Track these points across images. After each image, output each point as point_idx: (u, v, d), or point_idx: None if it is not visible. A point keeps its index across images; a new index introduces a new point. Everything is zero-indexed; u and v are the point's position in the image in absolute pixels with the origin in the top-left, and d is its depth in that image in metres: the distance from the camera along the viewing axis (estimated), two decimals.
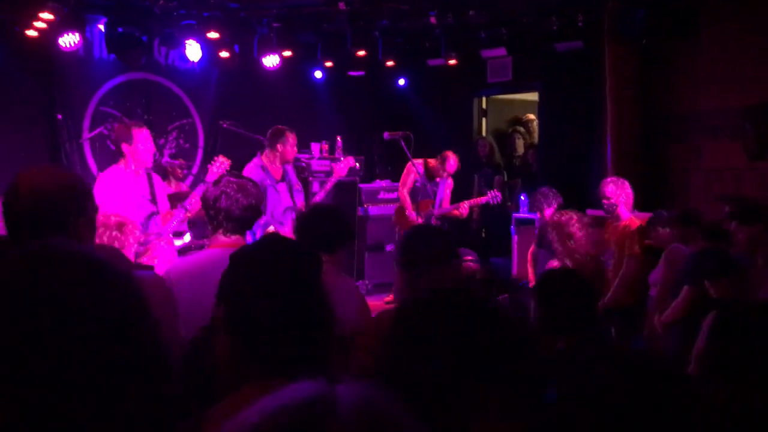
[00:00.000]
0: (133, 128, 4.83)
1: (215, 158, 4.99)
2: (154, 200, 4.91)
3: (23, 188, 1.87)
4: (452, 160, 7.22)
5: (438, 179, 7.28)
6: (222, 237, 2.76)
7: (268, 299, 1.46)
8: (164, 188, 5.16)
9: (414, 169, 7.15)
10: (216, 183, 2.89)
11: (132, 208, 4.77)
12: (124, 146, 4.81)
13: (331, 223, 2.98)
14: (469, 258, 4.42)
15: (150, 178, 4.97)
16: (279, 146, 5.97)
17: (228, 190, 2.75)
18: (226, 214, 2.73)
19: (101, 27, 7.17)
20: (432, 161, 7.26)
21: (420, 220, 7.14)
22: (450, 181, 7.37)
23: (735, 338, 1.78)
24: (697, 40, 6.64)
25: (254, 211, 2.79)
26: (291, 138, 6.01)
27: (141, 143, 4.81)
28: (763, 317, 1.83)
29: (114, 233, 3.02)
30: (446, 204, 7.28)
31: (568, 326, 2.60)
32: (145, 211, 4.84)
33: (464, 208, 7.09)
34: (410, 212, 7.25)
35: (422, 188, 7.15)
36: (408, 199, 7.30)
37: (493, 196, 7.21)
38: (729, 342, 1.78)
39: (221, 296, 1.53)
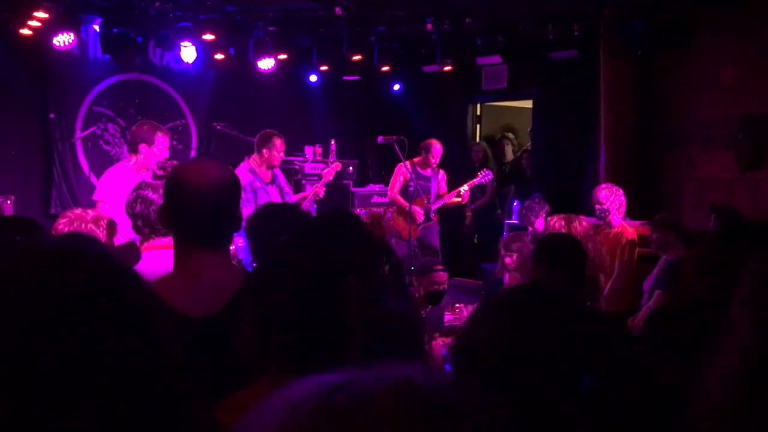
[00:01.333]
0: (159, 133, 4.81)
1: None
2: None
3: (195, 180, 1.81)
4: (436, 146, 7.14)
5: (428, 174, 7.22)
6: (148, 242, 2.60)
7: (293, 292, 1.49)
8: None
9: (402, 170, 7.17)
10: (135, 189, 2.71)
11: None
12: (143, 146, 4.80)
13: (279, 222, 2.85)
14: (439, 267, 4.39)
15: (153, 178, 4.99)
16: (265, 151, 5.98)
17: (143, 193, 2.60)
18: (143, 220, 2.58)
19: (96, 27, 7.15)
20: (417, 158, 7.24)
21: (422, 218, 7.13)
22: (442, 173, 7.33)
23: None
24: (692, 50, 6.67)
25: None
26: (278, 143, 5.99)
27: (160, 148, 4.82)
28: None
29: (89, 226, 3.00)
30: (445, 196, 7.27)
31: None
32: None
33: (465, 193, 7.13)
34: (408, 206, 7.11)
35: (414, 189, 7.13)
36: (400, 198, 7.25)
37: (484, 174, 7.30)
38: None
39: (249, 287, 1.57)
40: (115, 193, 4.78)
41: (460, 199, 7.17)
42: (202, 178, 1.81)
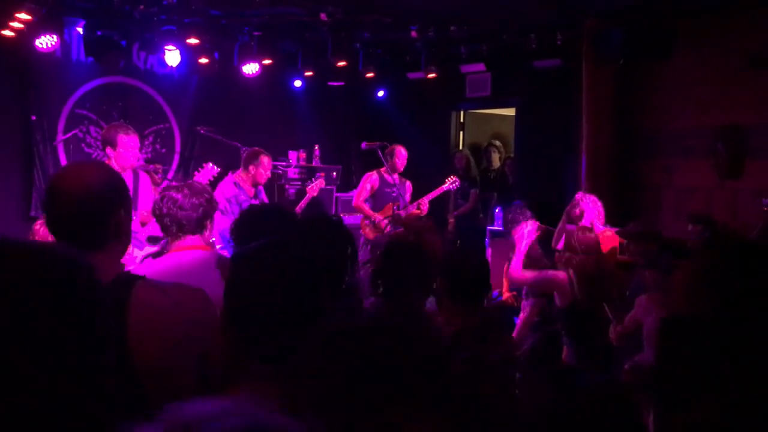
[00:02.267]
0: (120, 134, 4.82)
1: (204, 164, 5.03)
2: (134, 201, 4.90)
3: (63, 186, 1.80)
4: (400, 151, 7.06)
5: (396, 182, 7.13)
6: (176, 241, 2.71)
7: (267, 297, 1.49)
8: (149, 190, 5.09)
9: (371, 178, 7.16)
10: (162, 190, 2.85)
11: None
12: (108, 149, 4.83)
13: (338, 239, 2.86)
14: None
15: (136, 179, 4.98)
16: (252, 168, 6.01)
17: (170, 194, 2.72)
18: (171, 218, 2.69)
19: (80, 29, 7.11)
20: (383, 167, 7.20)
21: (384, 222, 7.09)
22: (408, 184, 7.29)
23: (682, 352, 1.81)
24: (671, 61, 6.76)
25: (203, 209, 2.72)
26: (265, 162, 6.02)
27: (124, 149, 4.83)
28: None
29: None
30: (409, 207, 7.22)
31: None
32: None
33: (424, 204, 7.08)
34: (372, 215, 7.10)
35: (383, 194, 7.14)
36: (365, 206, 7.22)
37: (452, 182, 7.27)
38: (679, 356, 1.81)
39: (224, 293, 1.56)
40: None
41: (419, 211, 7.01)
42: (69, 182, 1.79)
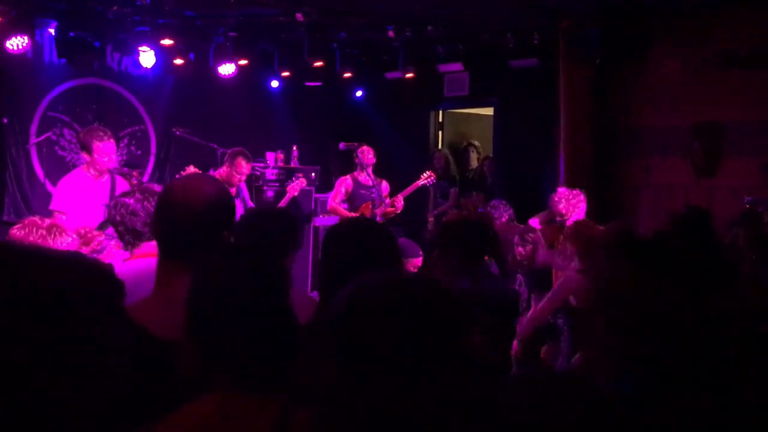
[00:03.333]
0: (95, 142, 4.77)
1: (186, 168, 5.00)
2: None
3: (189, 195, 1.76)
4: (365, 150, 7.00)
5: (369, 183, 7.01)
6: (134, 249, 2.53)
7: (229, 307, 1.44)
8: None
9: (345, 182, 7.11)
10: (116, 196, 2.68)
11: (91, 214, 4.72)
12: (84, 154, 4.81)
13: (277, 226, 2.84)
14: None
15: (113, 182, 4.93)
16: (226, 167, 6.05)
17: (122, 200, 2.54)
18: (124, 226, 2.51)
19: (52, 31, 7.00)
20: (357, 168, 7.16)
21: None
22: (385, 183, 7.24)
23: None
24: (647, 60, 6.81)
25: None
26: (239, 163, 6.03)
27: (99, 155, 4.78)
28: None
29: (41, 232, 2.95)
30: (384, 204, 7.16)
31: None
32: (102, 217, 4.78)
33: (399, 201, 7.03)
34: (348, 215, 7.04)
35: (359, 195, 7.10)
36: (340, 207, 7.17)
37: (426, 177, 7.22)
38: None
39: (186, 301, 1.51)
40: (72, 202, 4.72)
41: (394, 208, 6.99)
42: (195, 195, 1.75)
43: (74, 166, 6.88)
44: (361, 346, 1.16)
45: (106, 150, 4.80)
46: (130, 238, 2.52)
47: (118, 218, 2.52)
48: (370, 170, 7.03)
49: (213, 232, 1.76)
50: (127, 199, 2.52)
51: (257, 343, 1.43)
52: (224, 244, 1.81)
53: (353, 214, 7.03)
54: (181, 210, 1.74)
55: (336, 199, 7.19)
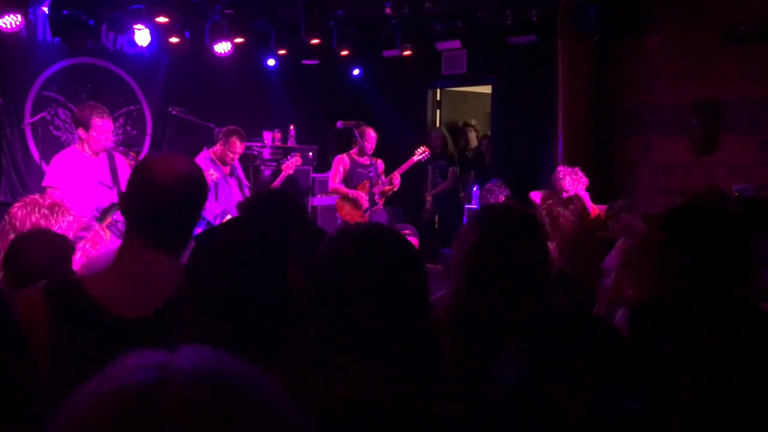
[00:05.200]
0: (94, 118, 4.72)
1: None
2: (116, 184, 4.79)
3: (158, 173, 1.68)
4: (369, 132, 6.90)
5: (366, 162, 6.96)
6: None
7: (228, 281, 1.42)
8: (127, 170, 4.92)
9: (342, 161, 7.06)
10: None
11: (87, 194, 4.67)
12: (81, 131, 4.74)
13: (279, 208, 2.84)
14: (407, 231, 4.40)
15: (112, 161, 4.87)
16: (220, 145, 5.99)
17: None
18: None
19: (45, 9, 6.91)
20: (353, 149, 7.10)
21: (366, 203, 6.98)
22: (380, 162, 7.18)
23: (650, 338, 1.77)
24: (648, 37, 6.75)
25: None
26: (233, 142, 5.95)
27: (98, 132, 4.73)
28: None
29: (44, 211, 2.91)
30: (379, 184, 7.10)
31: None
32: (103, 197, 4.72)
33: (396, 179, 6.99)
34: (352, 192, 6.99)
35: (356, 174, 7.05)
36: (341, 186, 7.12)
37: (421, 152, 7.14)
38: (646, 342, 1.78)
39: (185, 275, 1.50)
40: (65, 178, 4.69)
41: (391, 186, 6.94)
42: (173, 173, 1.69)
43: (69, 145, 6.84)
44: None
45: (105, 128, 4.75)
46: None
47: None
48: (369, 151, 6.98)
49: (184, 211, 1.71)
50: None
51: (253, 313, 1.42)
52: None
53: (356, 192, 6.98)
54: (153, 188, 1.68)
55: (336, 179, 7.14)
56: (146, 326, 1.59)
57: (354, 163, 7.05)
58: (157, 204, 1.68)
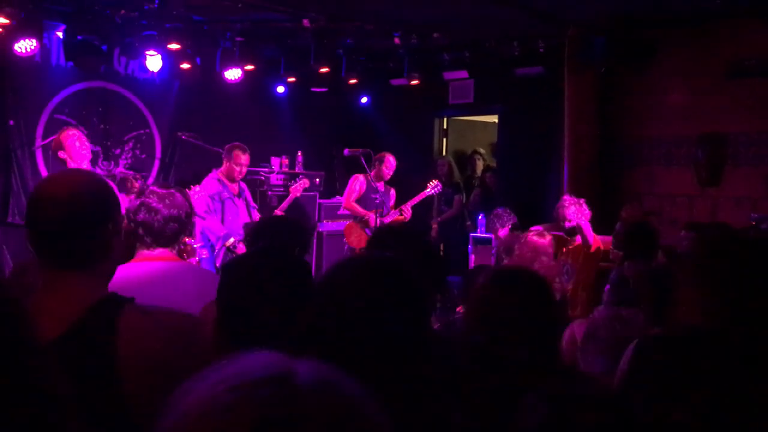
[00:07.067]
0: (61, 134, 4.93)
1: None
2: None
3: (45, 195, 1.64)
4: (390, 159, 7.08)
5: (381, 189, 7.10)
6: (145, 251, 2.51)
7: (258, 303, 1.51)
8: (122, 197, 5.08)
9: (359, 180, 7.16)
10: (139, 194, 2.61)
11: None
12: (61, 154, 4.94)
13: (285, 232, 2.91)
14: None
15: None
16: (225, 162, 6.04)
17: (148, 202, 2.49)
18: (145, 228, 2.48)
19: (60, 34, 7.03)
20: (372, 172, 7.18)
21: (375, 222, 7.03)
22: (393, 191, 7.30)
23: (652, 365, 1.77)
24: (653, 69, 6.82)
25: (179, 223, 2.53)
26: (237, 156, 6.01)
27: (71, 143, 4.90)
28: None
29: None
30: (389, 215, 7.19)
31: None
32: None
33: (407, 210, 7.06)
34: (365, 213, 7.03)
35: (369, 199, 7.13)
36: (356, 206, 7.18)
37: (433, 186, 7.27)
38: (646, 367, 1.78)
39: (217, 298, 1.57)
40: None
41: (402, 217, 7.02)
42: (57, 191, 1.63)
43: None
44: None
45: (76, 136, 5.04)
46: (149, 240, 2.49)
47: (140, 218, 2.47)
48: (387, 177, 7.13)
49: (78, 227, 1.62)
50: (154, 203, 2.48)
51: (281, 334, 1.47)
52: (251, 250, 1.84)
53: (369, 213, 7.02)
54: (37, 208, 1.62)
55: (351, 197, 7.22)
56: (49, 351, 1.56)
57: (369, 187, 7.12)
58: (42, 224, 1.62)
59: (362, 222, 7.07)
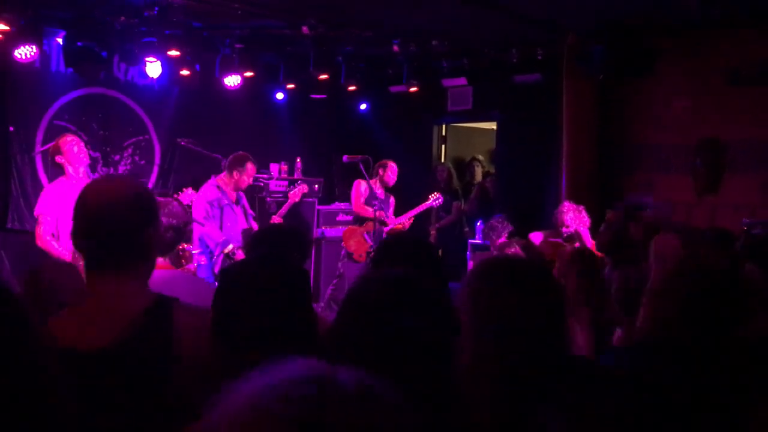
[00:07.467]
0: (59, 139, 4.97)
1: (184, 189, 5.16)
2: None
3: (91, 199, 1.72)
4: (392, 166, 7.19)
5: (382, 196, 7.19)
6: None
7: (255, 309, 1.51)
8: None
9: (363, 185, 7.20)
10: None
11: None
12: (58, 158, 4.97)
13: (285, 240, 2.92)
14: None
15: None
16: (236, 173, 6.02)
17: None
18: None
19: (59, 40, 7.05)
20: (373, 179, 7.23)
21: (393, 225, 7.12)
22: (392, 199, 7.39)
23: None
24: (653, 77, 6.83)
25: (175, 232, 2.59)
26: (250, 168, 6.05)
27: (69, 148, 4.92)
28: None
29: None
30: (391, 220, 7.24)
31: None
32: None
33: (406, 221, 7.15)
34: (380, 214, 7.07)
35: (370, 205, 7.18)
36: (367, 209, 7.22)
37: (435, 198, 7.33)
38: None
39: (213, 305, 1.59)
40: (53, 207, 4.85)
41: (402, 226, 7.13)
42: (104, 197, 1.71)
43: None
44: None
45: (72, 142, 5.04)
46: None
47: None
48: (390, 183, 7.18)
49: (124, 232, 1.70)
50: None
51: (279, 342, 1.49)
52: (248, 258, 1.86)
53: (381, 213, 7.07)
54: (87, 215, 1.70)
55: (360, 200, 7.27)
56: (100, 356, 1.58)
57: (371, 194, 7.16)
58: (92, 229, 1.70)
59: (380, 222, 7.12)
